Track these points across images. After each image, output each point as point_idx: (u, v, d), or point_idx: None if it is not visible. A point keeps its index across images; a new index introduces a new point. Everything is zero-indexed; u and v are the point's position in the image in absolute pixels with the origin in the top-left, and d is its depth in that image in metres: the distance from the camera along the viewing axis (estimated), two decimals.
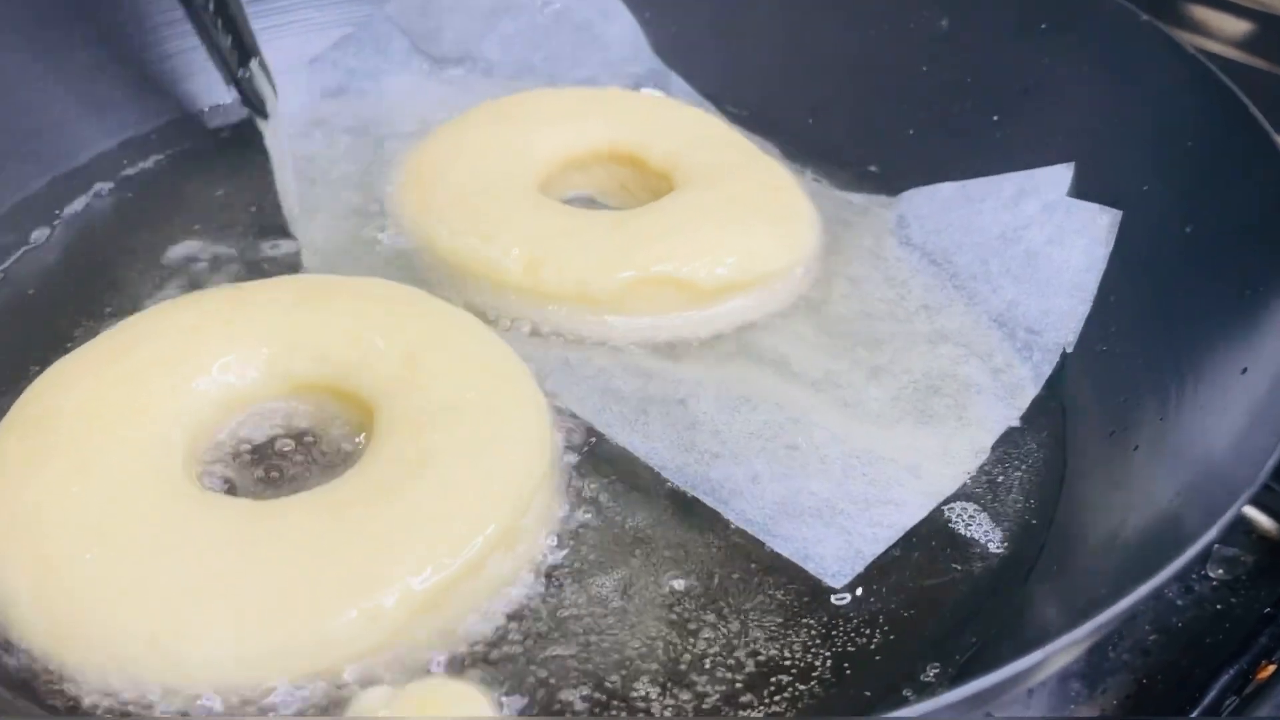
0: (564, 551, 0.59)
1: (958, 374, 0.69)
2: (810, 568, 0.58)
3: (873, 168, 0.86)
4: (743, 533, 0.60)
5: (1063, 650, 0.44)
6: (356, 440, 0.62)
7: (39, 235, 0.76)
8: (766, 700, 0.54)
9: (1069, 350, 0.70)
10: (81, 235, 0.77)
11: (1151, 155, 0.71)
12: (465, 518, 0.54)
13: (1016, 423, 0.67)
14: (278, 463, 0.62)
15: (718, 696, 0.54)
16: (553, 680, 0.53)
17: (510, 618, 0.56)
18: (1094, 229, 0.72)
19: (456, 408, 0.58)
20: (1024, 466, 0.66)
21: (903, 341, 0.72)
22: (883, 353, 0.71)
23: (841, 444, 0.64)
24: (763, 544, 0.60)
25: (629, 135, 0.82)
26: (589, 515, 0.61)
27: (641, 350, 0.70)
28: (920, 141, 0.85)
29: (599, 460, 0.64)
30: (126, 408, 0.57)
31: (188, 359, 0.60)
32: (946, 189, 0.79)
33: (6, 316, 0.71)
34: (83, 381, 0.58)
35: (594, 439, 0.64)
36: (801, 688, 0.54)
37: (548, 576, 0.58)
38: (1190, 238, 0.66)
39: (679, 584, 0.58)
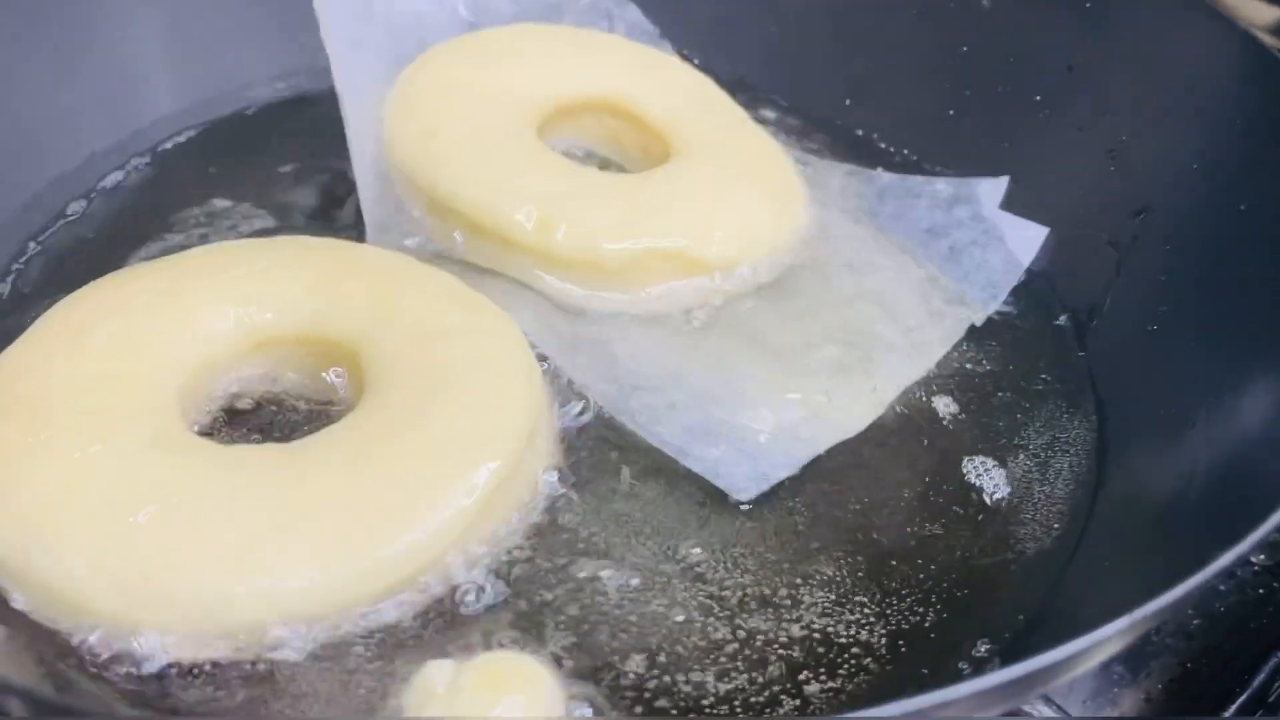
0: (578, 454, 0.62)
1: (872, 330, 0.71)
2: (720, 483, 0.60)
3: (909, 150, 0.86)
4: (785, 508, 0.61)
5: (1117, 635, 0.43)
6: (337, 384, 0.63)
7: (76, 208, 0.76)
8: (823, 676, 0.53)
9: (978, 325, 0.73)
10: (116, 209, 0.77)
11: (1201, 133, 0.70)
12: (502, 418, 0.57)
13: (920, 376, 0.69)
14: (264, 416, 0.62)
15: (776, 671, 0.53)
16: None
17: (544, 520, 0.58)
18: (1018, 241, 0.77)
19: (443, 334, 0.60)
20: (1073, 447, 0.66)
21: (824, 297, 0.73)
22: (801, 303, 0.72)
23: (754, 383, 0.66)
24: (811, 521, 0.60)
25: (629, 89, 0.80)
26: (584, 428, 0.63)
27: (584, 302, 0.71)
28: (960, 122, 0.85)
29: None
30: (113, 378, 0.57)
31: (160, 325, 0.60)
32: (885, 178, 0.82)
33: (42, 288, 0.70)
34: (53, 361, 0.57)
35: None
36: (858, 664, 0.54)
37: (569, 471, 0.61)
38: (1245, 214, 0.65)
39: (706, 552, 0.58)
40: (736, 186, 0.75)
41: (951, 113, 0.85)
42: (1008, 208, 0.79)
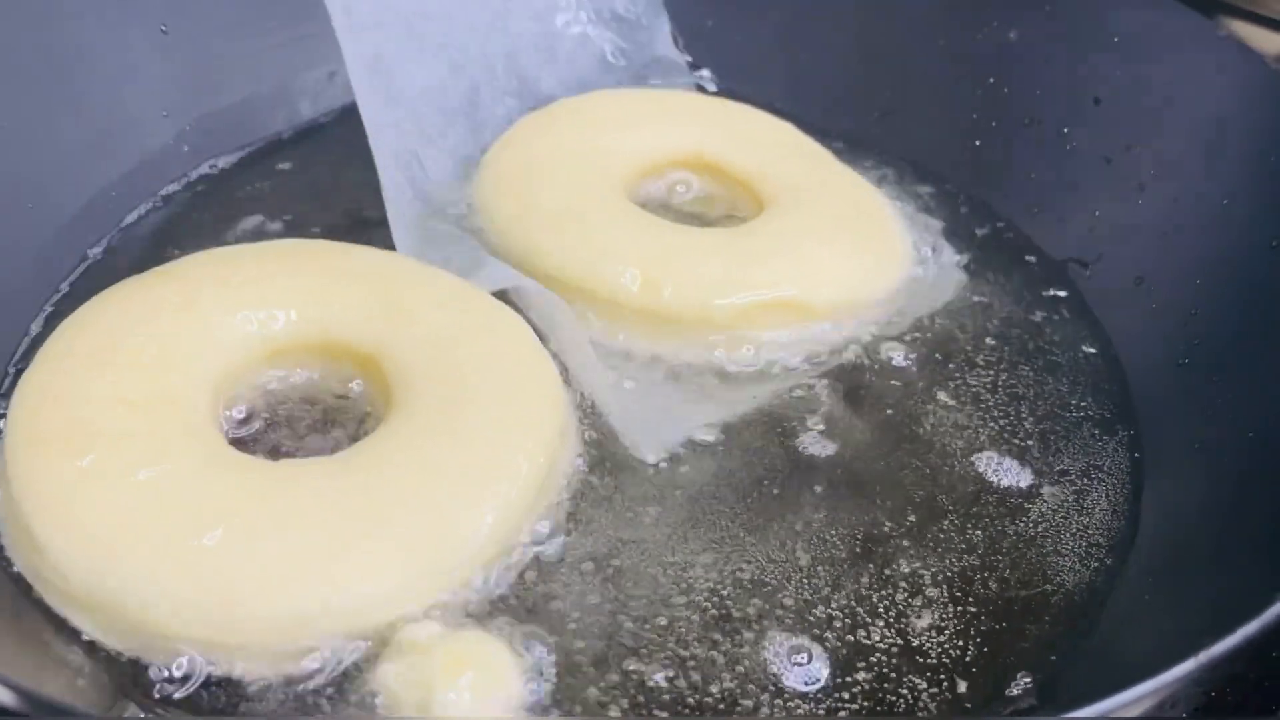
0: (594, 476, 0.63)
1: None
2: (626, 442, 0.65)
3: (939, 181, 0.86)
4: (816, 529, 0.62)
5: (1185, 678, 0.44)
6: (353, 389, 0.64)
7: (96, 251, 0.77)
8: (868, 710, 0.53)
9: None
10: (171, 222, 0.79)
11: (1234, 168, 0.71)
12: (532, 428, 0.60)
13: None
14: (289, 426, 0.63)
15: (814, 704, 0.54)
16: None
17: (567, 519, 0.61)
18: None
19: (460, 337, 0.62)
20: (1109, 477, 0.66)
21: None
22: None
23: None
24: (837, 544, 0.61)
25: (712, 143, 0.81)
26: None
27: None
28: (986, 154, 0.85)
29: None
30: (146, 396, 0.57)
31: (181, 338, 0.60)
32: None
33: None
34: (79, 383, 0.57)
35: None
36: (903, 697, 0.54)
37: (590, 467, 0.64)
38: (1277, 250, 0.65)
39: (746, 574, 0.59)
40: (836, 233, 0.75)
41: (977, 143, 0.86)
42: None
